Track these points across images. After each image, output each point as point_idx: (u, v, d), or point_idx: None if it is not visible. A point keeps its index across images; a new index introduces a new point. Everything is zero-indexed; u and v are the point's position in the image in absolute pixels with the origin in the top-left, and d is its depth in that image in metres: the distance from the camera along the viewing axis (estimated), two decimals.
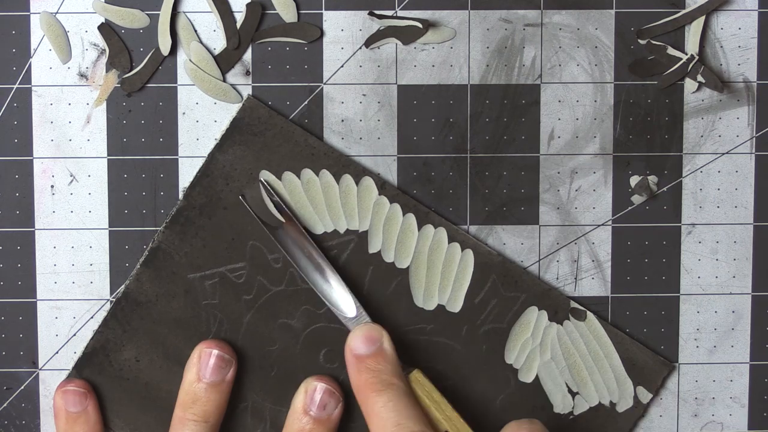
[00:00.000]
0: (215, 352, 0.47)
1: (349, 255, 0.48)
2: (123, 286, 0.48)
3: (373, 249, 0.48)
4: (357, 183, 0.48)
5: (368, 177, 0.48)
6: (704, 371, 0.50)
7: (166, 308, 0.48)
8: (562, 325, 0.49)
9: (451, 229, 0.48)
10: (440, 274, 0.48)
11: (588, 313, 0.49)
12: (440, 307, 0.49)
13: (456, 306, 0.49)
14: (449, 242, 0.48)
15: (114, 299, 0.48)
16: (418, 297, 0.48)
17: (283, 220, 0.47)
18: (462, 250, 0.48)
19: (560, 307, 0.49)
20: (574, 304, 0.49)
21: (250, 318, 0.48)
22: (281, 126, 0.48)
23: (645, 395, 0.49)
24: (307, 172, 0.48)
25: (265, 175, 0.47)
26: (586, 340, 0.49)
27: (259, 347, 0.48)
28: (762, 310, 0.50)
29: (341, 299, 0.47)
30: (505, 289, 0.49)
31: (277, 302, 0.48)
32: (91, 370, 0.48)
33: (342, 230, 0.48)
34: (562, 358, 0.49)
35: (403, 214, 0.48)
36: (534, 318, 0.49)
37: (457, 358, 0.48)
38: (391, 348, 0.45)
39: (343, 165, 0.48)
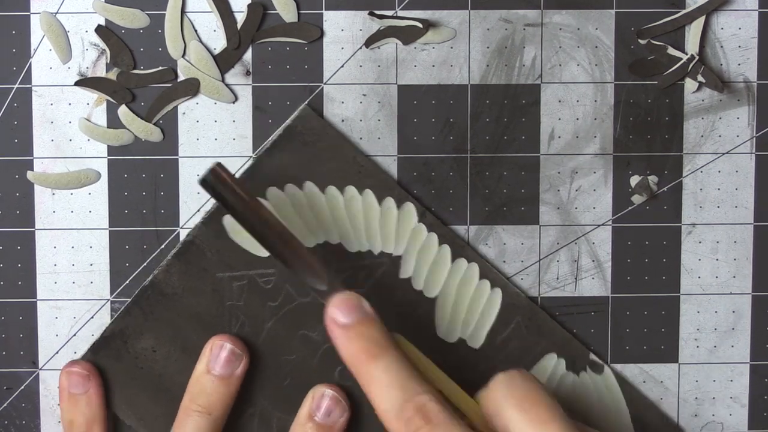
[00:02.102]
0: (227, 345, 0.47)
1: (379, 277, 0.48)
2: (151, 275, 0.48)
3: (404, 275, 0.48)
4: (398, 207, 0.48)
5: (410, 203, 0.48)
6: (704, 371, 0.50)
7: (190, 303, 0.48)
8: (578, 375, 0.49)
9: (483, 266, 0.48)
10: (466, 309, 0.48)
11: (606, 367, 0.49)
12: (461, 341, 0.48)
13: (477, 342, 0.48)
14: (480, 279, 0.48)
15: (137, 292, 0.48)
16: (441, 328, 0.48)
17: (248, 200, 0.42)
18: (491, 288, 0.48)
19: (579, 358, 0.49)
20: (593, 357, 0.49)
21: (272, 325, 0.48)
22: (332, 139, 0.47)
23: None
24: (351, 189, 0.48)
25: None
26: (599, 393, 0.49)
27: (276, 355, 0.48)
28: (762, 310, 0.50)
29: (312, 272, 0.43)
30: (527, 332, 0.48)
31: (300, 313, 0.48)
32: (107, 353, 0.48)
33: (376, 252, 0.48)
34: (572, 407, 0.49)
35: (439, 245, 0.48)
36: (552, 365, 0.48)
37: (470, 393, 0.48)
38: (375, 313, 0.42)
39: (387, 187, 0.48)
